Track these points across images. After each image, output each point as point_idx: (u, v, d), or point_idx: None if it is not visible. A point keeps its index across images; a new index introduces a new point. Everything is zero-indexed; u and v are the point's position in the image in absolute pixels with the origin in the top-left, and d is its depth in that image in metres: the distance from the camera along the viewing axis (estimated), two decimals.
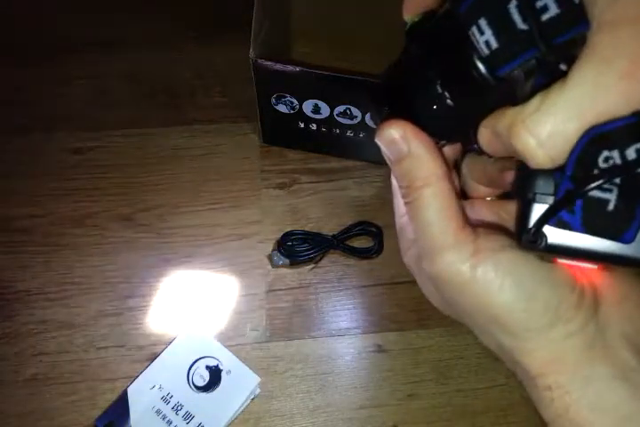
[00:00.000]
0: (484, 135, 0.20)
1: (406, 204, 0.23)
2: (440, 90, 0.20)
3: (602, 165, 0.18)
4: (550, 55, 0.17)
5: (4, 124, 0.53)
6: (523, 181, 0.20)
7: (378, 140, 0.22)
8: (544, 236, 0.19)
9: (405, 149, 0.22)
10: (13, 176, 0.51)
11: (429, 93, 0.21)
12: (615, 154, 0.18)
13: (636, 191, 0.18)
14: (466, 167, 0.25)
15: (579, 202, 0.19)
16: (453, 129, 0.22)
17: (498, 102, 0.19)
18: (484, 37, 0.18)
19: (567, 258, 0.20)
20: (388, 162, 0.23)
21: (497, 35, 0.18)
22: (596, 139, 0.18)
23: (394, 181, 0.25)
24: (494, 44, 0.18)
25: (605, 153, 0.18)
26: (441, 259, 0.21)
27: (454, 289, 0.21)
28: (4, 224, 0.50)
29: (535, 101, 0.18)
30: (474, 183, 0.25)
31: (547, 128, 0.18)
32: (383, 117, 0.22)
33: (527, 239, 0.19)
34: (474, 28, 0.18)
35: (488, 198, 0.26)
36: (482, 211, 0.25)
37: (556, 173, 0.19)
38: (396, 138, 0.22)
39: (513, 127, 0.18)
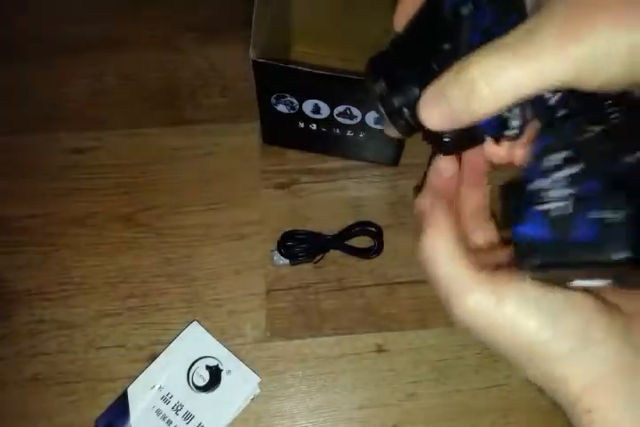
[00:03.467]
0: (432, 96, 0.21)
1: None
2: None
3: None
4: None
5: (4, 124, 0.53)
6: (508, 212, 0.21)
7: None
8: (537, 256, 0.20)
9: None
10: (13, 176, 0.51)
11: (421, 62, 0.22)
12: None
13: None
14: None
15: (541, 217, 0.20)
16: None
17: None
18: None
19: (563, 272, 0.20)
20: None
21: None
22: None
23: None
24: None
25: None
26: (466, 301, 0.22)
27: (485, 328, 0.22)
28: (3, 224, 0.50)
29: (483, 50, 0.19)
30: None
31: (494, 64, 0.19)
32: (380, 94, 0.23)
33: (528, 265, 0.20)
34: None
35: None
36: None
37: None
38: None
39: (463, 67, 0.19)
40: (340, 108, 0.45)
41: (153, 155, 0.53)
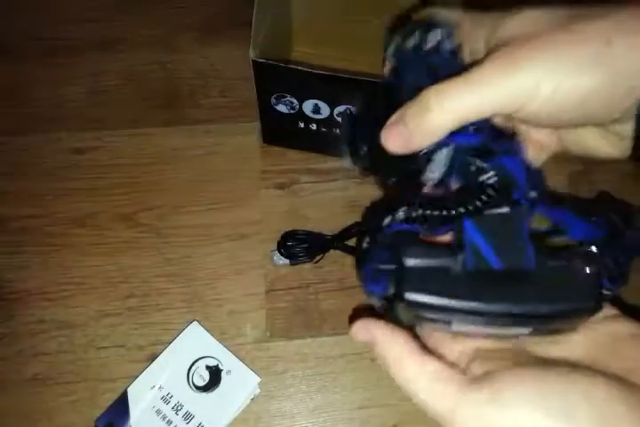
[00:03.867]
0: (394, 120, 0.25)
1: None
2: None
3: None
4: None
5: (4, 124, 0.53)
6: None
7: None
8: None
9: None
10: (13, 176, 0.51)
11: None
12: None
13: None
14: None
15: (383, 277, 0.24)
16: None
17: None
18: None
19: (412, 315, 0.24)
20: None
21: None
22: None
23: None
24: None
25: None
26: (463, 411, 0.21)
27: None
28: (3, 224, 0.50)
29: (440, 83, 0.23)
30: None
31: (446, 88, 0.23)
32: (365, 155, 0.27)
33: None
34: None
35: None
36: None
37: None
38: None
39: (422, 93, 0.23)
40: (341, 108, 0.45)
41: (153, 155, 0.53)
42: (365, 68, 0.55)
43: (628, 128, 0.24)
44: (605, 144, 0.26)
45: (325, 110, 0.45)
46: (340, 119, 0.46)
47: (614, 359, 0.23)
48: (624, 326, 0.25)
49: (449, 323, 0.23)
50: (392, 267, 0.23)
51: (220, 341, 0.45)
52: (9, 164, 0.52)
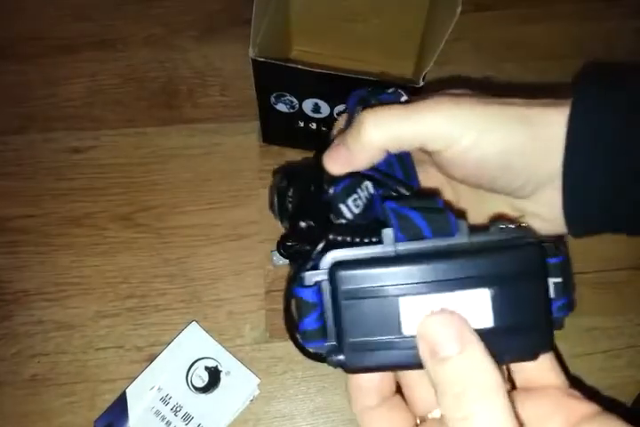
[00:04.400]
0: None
1: (451, 419, 0.19)
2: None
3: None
4: None
5: (2, 124, 0.53)
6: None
7: (419, 334, 0.21)
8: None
9: (457, 347, 0.19)
10: (11, 176, 0.51)
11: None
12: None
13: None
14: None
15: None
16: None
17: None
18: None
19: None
20: (424, 360, 0.20)
21: None
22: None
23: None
24: None
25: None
26: None
27: None
28: (1, 224, 0.49)
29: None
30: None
31: (380, 111, 0.25)
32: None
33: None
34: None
35: None
36: None
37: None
38: (445, 330, 0.20)
39: (364, 116, 0.26)
40: (340, 108, 0.44)
41: (151, 154, 0.52)
42: (365, 67, 0.55)
43: (539, 207, 0.26)
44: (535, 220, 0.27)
45: (325, 109, 0.45)
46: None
47: None
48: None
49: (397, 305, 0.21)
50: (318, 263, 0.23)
51: (220, 342, 0.45)
52: (6, 163, 0.52)
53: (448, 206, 0.24)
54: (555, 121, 0.24)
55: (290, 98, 0.44)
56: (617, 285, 0.47)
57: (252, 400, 0.44)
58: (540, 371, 0.24)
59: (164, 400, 0.43)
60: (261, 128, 0.52)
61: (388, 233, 0.23)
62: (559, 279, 0.22)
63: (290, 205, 0.30)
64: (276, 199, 0.31)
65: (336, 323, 0.22)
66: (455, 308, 0.20)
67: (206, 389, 0.44)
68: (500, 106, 0.25)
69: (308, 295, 0.23)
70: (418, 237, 0.22)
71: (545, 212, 0.26)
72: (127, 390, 0.44)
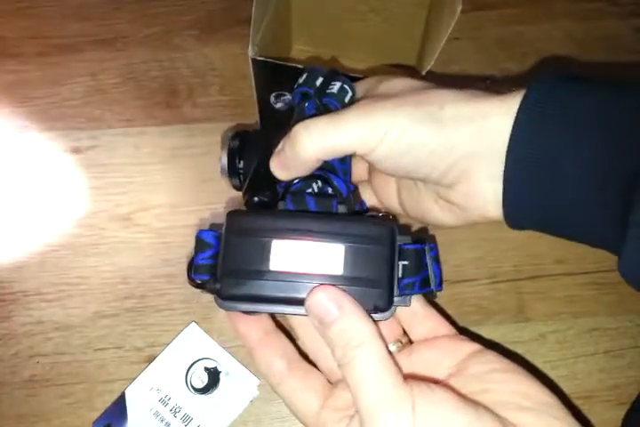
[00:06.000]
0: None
1: (341, 366, 0.25)
2: None
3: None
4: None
5: (1, 124, 0.53)
6: None
7: (308, 307, 0.26)
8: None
9: (337, 312, 0.25)
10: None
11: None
12: None
13: None
14: None
15: None
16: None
17: None
18: None
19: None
20: (316, 328, 0.26)
21: None
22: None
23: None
24: None
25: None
26: (385, 422, 0.23)
27: None
28: None
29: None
30: None
31: (313, 122, 0.28)
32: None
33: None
34: None
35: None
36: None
37: None
38: (326, 301, 0.25)
39: (295, 129, 0.29)
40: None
41: (151, 154, 0.52)
42: (365, 67, 0.55)
43: (458, 196, 0.29)
44: (438, 210, 0.31)
45: None
46: None
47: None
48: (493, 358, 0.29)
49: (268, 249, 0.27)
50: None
51: (219, 342, 0.45)
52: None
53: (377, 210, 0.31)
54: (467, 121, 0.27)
55: (289, 97, 0.44)
56: (618, 285, 0.47)
57: (251, 401, 0.44)
58: (427, 327, 0.31)
59: (164, 401, 0.43)
60: (261, 128, 0.51)
61: (280, 204, 0.29)
62: (406, 262, 0.28)
63: (239, 165, 0.34)
64: (226, 159, 0.34)
65: (222, 258, 0.27)
66: (315, 254, 0.26)
67: (206, 390, 0.44)
68: (413, 106, 0.27)
69: (206, 236, 0.28)
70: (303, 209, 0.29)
71: (463, 201, 0.29)
72: (126, 391, 0.44)
